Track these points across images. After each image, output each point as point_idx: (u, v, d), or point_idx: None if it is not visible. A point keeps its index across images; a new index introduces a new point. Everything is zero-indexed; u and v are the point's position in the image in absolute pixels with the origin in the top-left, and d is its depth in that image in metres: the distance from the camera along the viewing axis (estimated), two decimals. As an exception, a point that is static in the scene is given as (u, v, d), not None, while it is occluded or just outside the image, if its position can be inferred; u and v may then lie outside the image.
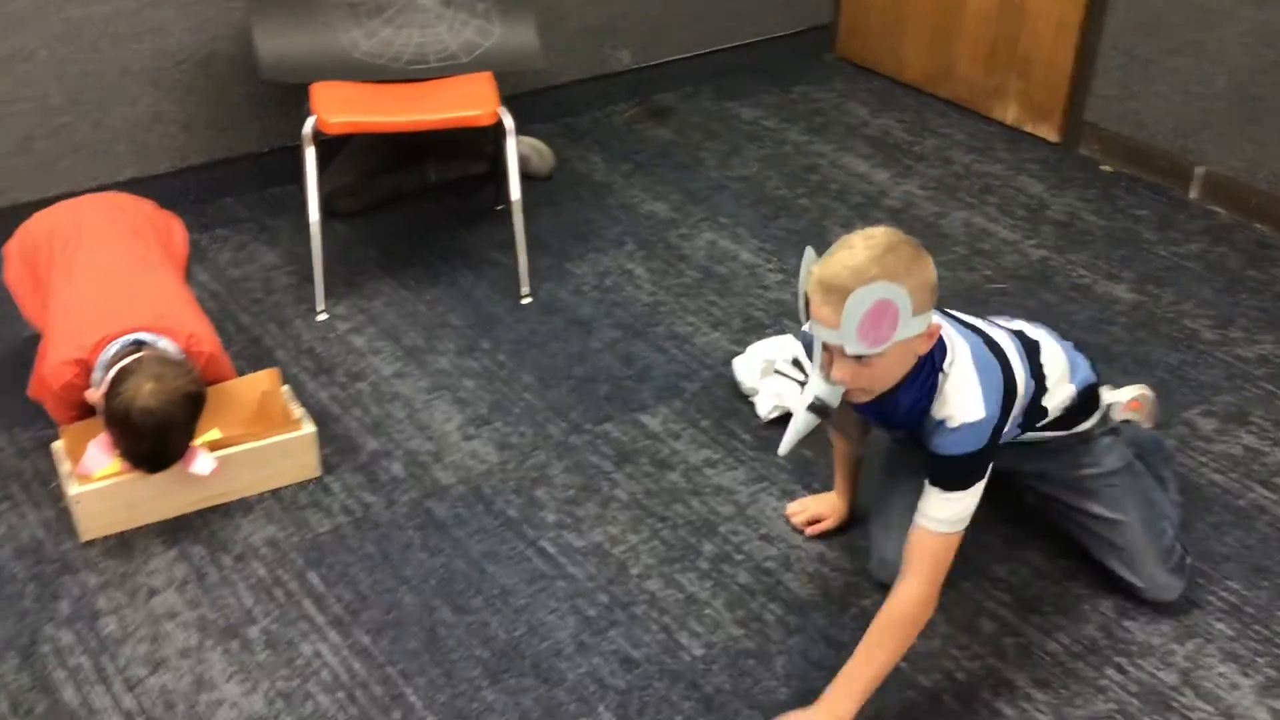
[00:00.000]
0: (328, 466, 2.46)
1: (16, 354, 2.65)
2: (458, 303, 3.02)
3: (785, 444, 2.01)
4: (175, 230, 2.69)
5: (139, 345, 2.25)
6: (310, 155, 2.85)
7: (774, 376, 2.63)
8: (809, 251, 1.81)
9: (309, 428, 2.42)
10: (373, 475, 2.46)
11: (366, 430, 2.58)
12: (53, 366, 2.29)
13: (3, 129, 3.09)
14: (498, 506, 2.38)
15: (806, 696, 1.88)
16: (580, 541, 2.30)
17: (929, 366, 1.85)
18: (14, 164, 3.13)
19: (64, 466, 2.31)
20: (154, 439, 2.18)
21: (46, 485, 2.40)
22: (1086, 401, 2.08)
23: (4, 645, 2.07)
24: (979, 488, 1.84)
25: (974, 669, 2.06)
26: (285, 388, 2.52)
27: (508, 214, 3.01)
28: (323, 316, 2.95)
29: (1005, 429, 1.88)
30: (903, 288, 1.70)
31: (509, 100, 2.97)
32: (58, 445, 2.36)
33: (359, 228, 3.33)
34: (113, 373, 2.19)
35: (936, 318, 1.82)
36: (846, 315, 1.69)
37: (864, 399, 1.86)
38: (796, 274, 1.90)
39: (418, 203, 3.45)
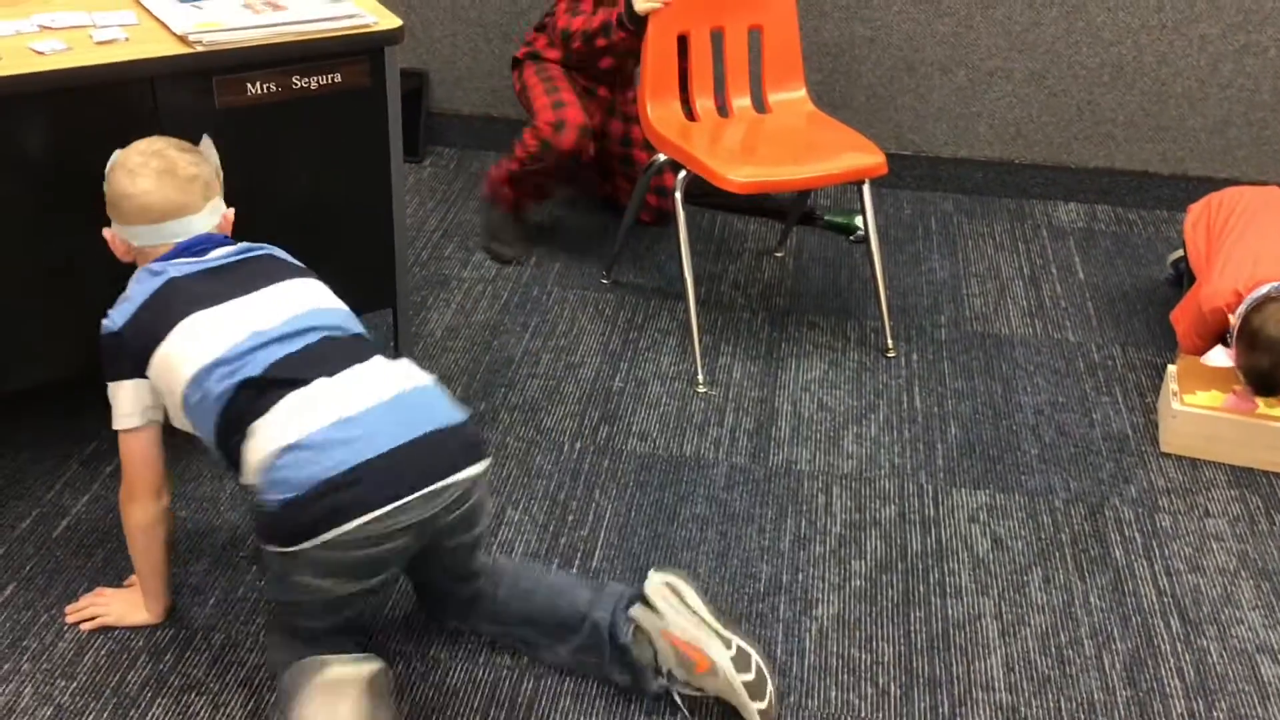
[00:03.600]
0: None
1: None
2: None
3: None
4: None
5: None
6: None
7: None
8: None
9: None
10: None
11: None
12: (1213, 291, 2.69)
13: (1208, 109, 3.51)
14: None
15: None
16: None
17: None
18: (1207, 140, 3.56)
19: (1170, 386, 2.69)
20: (1274, 356, 2.47)
21: (1143, 396, 2.81)
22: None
23: (1079, 495, 2.53)
24: (115, 392, 1.89)
25: None
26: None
27: None
28: None
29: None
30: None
31: None
32: (1172, 368, 2.74)
33: None
34: (1257, 297, 2.56)
35: (149, 240, 1.94)
36: None
37: None
38: None
39: None
